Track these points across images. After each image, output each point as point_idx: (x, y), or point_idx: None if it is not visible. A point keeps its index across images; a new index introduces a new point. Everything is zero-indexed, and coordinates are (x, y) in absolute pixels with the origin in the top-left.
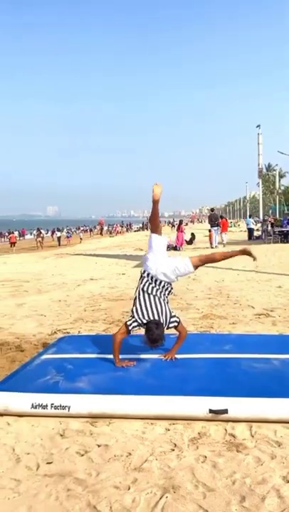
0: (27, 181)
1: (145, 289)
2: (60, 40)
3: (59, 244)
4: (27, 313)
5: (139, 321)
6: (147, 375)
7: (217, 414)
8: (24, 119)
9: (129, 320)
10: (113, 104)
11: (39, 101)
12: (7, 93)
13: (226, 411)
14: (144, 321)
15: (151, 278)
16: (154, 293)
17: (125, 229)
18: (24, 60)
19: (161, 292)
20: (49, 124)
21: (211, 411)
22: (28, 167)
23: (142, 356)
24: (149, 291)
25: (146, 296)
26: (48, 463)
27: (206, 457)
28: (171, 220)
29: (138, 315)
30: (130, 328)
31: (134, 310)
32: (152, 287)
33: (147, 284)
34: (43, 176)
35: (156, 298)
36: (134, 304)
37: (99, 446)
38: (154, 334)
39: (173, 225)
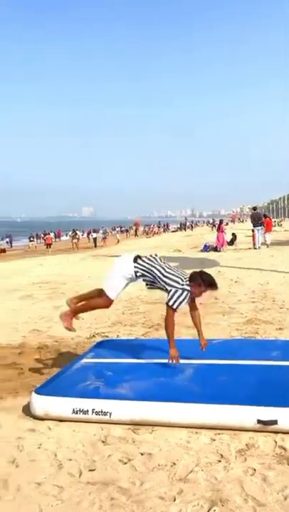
0: (62, 183)
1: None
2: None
3: (95, 246)
4: None
5: (182, 286)
6: (191, 381)
7: (266, 425)
8: (57, 122)
9: (171, 298)
10: (150, 106)
11: (75, 105)
12: (42, 98)
13: (275, 422)
14: (186, 283)
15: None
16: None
17: (162, 229)
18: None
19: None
20: (82, 126)
21: (259, 421)
22: (63, 168)
23: (185, 362)
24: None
25: (166, 268)
26: (90, 470)
27: (255, 470)
28: (211, 220)
29: (178, 283)
30: (177, 302)
31: (171, 283)
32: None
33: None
34: (79, 176)
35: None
36: (166, 283)
37: (142, 454)
38: (207, 275)
39: (213, 225)
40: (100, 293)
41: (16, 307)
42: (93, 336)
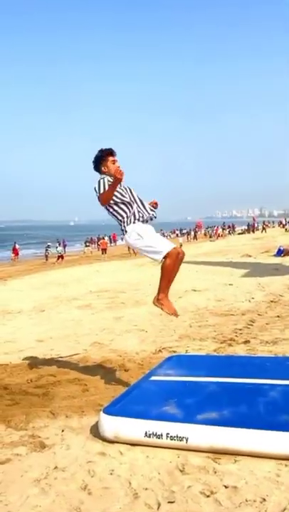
0: None
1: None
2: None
3: None
4: (126, 328)
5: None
6: (278, 405)
7: None
8: (109, 122)
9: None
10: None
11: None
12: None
13: None
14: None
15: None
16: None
17: (227, 231)
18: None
19: None
20: (137, 122)
21: None
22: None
23: (270, 382)
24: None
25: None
26: (169, 502)
27: None
28: (283, 221)
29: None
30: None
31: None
32: None
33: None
34: (132, 175)
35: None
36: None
37: (226, 487)
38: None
39: (284, 226)
40: (163, 262)
41: (74, 317)
42: (159, 350)
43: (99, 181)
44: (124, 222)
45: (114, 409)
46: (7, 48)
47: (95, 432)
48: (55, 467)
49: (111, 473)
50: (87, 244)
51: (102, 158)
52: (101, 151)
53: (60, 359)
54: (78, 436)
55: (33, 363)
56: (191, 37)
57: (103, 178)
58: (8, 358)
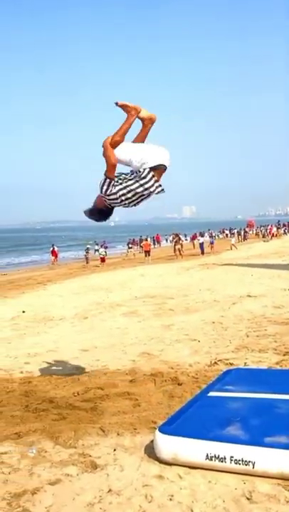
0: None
1: None
2: None
3: (202, 253)
4: (177, 337)
5: None
6: None
7: None
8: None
9: None
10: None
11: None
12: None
13: None
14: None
15: None
16: None
17: (282, 231)
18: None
19: None
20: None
21: None
22: None
23: None
24: None
25: None
26: None
27: None
28: None
29: None
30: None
31: None
32: None
33: None
34: (178, 172)
35: None
36: None
37: None
38: None
39: None
40: None
41: (120, 325)
42: (215, 362)
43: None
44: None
45: (171, 428)
46: None
47: (150, 452)
48: (109, 490)
49: (170, 499)
50: (130, 245)
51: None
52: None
53: (106, 370)
54: (132, 457)
55: (79, 374)
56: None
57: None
58: (52, 369)
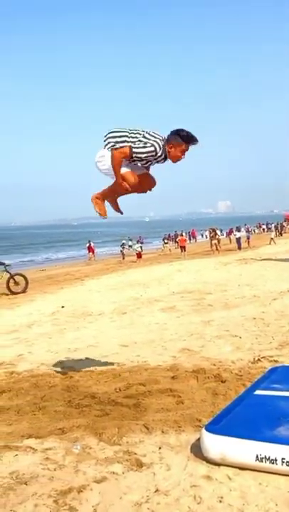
0: (194, 175)
1: None
2: None
3: (239, 248)
4: (217, 333)
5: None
6: None
7: None
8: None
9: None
10: None
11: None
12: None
13: None
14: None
15: None
16: None
17: None
18: None
19: None
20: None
21: None
22: (195, 160)
23: None
24: None
25: None
26: None
27: None
28: None
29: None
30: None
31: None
32: None
33: None
34: (212, 167)
35: None
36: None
37: None
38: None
39: None
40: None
41: (159, 321)
42: (258, 359)
43: (152, 143)
44: None
45: (218, 427)
46: None
47: (196, 451)
48: (156, 490)
49: (220, 501)
50: (166, 241)
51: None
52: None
53: (147, 366)
54: (178, 456)
55: (120, 370)
56: None
57: (157, 144)
58: (93, 364)
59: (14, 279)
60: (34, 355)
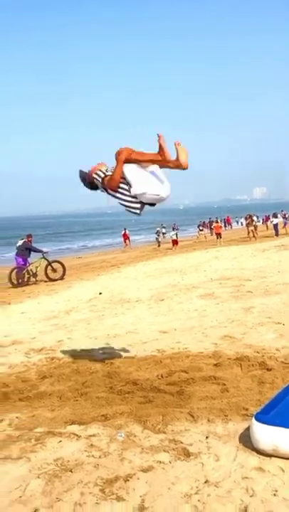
0: (228, 161)
1: None
2: None
3: (276, 234)
4: (259, 320)
5: None
6: None
7: None
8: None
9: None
10: None
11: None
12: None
13: None
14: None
15: None
16: None
17: None
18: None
19: None
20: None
21: None
22: (230, 147)
23: None
24: None
25: None
26: None
27: None
28: None
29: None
30: None
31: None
32: None
33: None
34: (249, 152)
35: None
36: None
37: None
38: None
39: None
40: None
41: (197, 308)
42: None
43: None
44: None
45: (269, 417)
46: None
47: (246, 441)
48: (206, 481)
49: (274, 494)
50: (201, 228)
51: None
52: None
53: (189, 353)
54: (227, 446)
55: (161, 356)
56: None
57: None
58: (133, 351)
59: (52, 267)
60: (74, 341)
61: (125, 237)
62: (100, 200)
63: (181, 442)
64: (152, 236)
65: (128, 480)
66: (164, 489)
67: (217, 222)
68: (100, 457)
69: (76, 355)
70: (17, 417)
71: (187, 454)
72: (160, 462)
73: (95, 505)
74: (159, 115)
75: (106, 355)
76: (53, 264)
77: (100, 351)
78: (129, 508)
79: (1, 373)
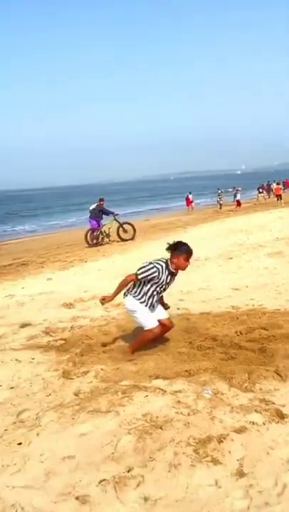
0: (284, 125)
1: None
2: None
3: None
4: None
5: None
6: None
7: None
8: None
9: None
10: None
11: None
12: None
13: None
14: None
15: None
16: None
17: None
18: None
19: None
20: None
21: None
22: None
23: None
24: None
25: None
26: None
27: None
28: None
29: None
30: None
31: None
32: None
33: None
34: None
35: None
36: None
37: None
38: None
39: None
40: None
41: (267, 266)
42: None
43: (153, 266)
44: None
45: None
46: None
47: None
48: None
49: None
50: (260, 190)
51: (181, 251)
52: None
53: (265, 310)
54: None
55: (236, 313)
56: None
57: (159, 266)
58: (207, 307)
59: (123, 228)
60: None
61: (188, 200)
62: (164, 167)
63: (273, 403)
64: (212, 200)
65: (222, 441)
66: (262, 454)
67: (278, 184)
68: (188, 415)
69: None
70: (102, 369)
71: (281, 416)
72: (253, 423)
73: (190, 468)
74: None
75: (181, 310)
76: (124, 226)
77: (175, 306)
78: (227, 472)
79: (84, 326)
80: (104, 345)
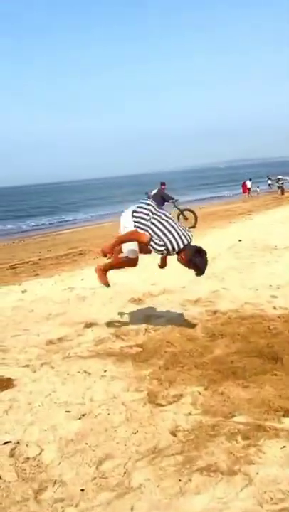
0: None
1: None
2: None
3: None
4: None
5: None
6: None
7: None
8: None
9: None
10: None
11: None
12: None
13: None
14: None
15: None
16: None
17: None
18: None
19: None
20: None
21: None
22: None
23: None
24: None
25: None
26: None
27: None
28: None
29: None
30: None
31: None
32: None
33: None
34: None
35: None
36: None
37: None
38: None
39: None
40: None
41: None
42: None
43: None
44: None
45: None
46: None
47: None
48: None
49: None
50: None
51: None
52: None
53: None
54: None
55: None
56: None
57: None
58: None
59: (184, 215)
60: (231, 292)
61: (245, 187)
62: (214, 155)
63: None
64: (265, 187)
65: None
66: None
67: None
68: None
69: (241, 309)
70: (200, 393)
71: None
72: None
73: None
74: None
75: (280, 310)
76: (184, 213)
77: (270, 305)
78: None
79: (161, 328)
80: (191, 355)
